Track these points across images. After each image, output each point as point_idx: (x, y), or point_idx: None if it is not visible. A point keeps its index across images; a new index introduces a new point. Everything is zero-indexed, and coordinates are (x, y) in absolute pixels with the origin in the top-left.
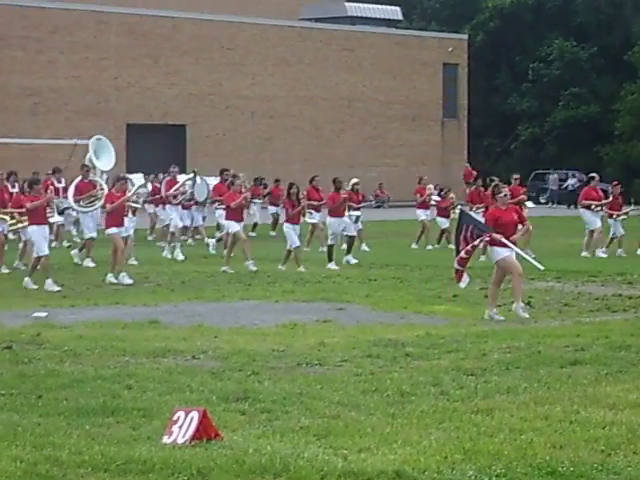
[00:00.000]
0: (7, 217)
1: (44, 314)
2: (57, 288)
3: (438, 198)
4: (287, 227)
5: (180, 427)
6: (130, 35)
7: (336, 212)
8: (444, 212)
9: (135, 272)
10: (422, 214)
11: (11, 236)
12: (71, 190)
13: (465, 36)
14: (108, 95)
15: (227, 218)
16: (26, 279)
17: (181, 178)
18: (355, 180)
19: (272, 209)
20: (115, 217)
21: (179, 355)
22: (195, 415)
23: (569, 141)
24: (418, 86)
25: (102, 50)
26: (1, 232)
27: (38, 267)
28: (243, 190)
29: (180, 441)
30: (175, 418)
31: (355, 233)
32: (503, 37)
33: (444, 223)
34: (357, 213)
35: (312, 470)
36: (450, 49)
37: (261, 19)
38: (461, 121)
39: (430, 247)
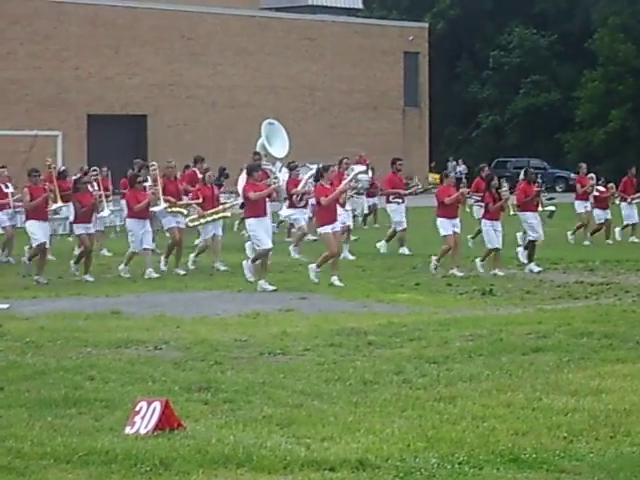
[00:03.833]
0: (184, 210)
1: (6, 305)
2: (272, 287)
3: (602, 189)
4: (486, 225)
5: (142, 418)
6: (90, 25)
7: (528, 206)
8: (603, 204)
9: (97, 263)
10: (580, 206)
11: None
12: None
13: (425, 24)
14: (69, 86)
15: (439, 215)
16: (260, 282)
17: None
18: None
19: (370, 200)
20: (328, 213)
21: (141, 346)
22: (157, 405)
23: (530, 129)
24: (379, 75)
25: (62, 41)
26: (176, 226)
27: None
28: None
29: (143, 432)
30: (137, 409)
31: (542, 236)
32: (463, 25)
33: (602, 215)
34: (551, 208)
35: (275, 459)
36: (411, 38)
37: (221, 9)
38: (422, 109)
39: (587, 242)
